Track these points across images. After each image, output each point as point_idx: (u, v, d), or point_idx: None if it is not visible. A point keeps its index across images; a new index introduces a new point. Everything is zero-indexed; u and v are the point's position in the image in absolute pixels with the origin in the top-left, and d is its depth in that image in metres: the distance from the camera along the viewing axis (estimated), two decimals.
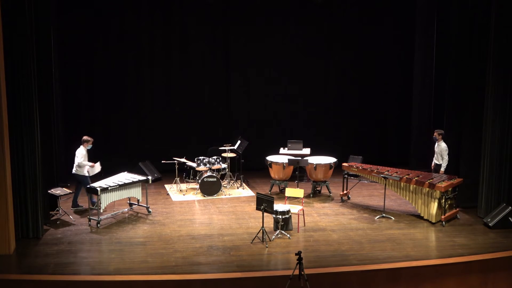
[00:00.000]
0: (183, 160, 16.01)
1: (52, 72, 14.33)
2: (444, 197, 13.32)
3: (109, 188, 13.33)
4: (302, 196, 13.62)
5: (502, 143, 13.42)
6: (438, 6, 16.42)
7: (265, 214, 12.31)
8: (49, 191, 13.53)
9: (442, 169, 14.33)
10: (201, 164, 15.69)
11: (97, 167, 14.38)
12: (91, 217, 13.33)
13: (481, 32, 13.80)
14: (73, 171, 14.28)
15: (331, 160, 15.62)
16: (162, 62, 17.64)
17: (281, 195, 15.35)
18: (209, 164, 15.67)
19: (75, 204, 14.48)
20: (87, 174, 14.27)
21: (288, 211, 12.86)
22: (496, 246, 12.15)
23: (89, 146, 14.29)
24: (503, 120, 13.36)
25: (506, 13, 13.04)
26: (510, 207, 13.17)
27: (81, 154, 14.10)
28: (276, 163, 15.43)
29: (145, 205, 14.26)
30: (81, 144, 14.20)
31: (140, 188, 14.07)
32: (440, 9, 16.27)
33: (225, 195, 15.65)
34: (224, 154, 16.17)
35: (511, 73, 13.19)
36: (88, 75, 17.34)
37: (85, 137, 14.28)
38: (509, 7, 13.01)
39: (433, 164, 14.82)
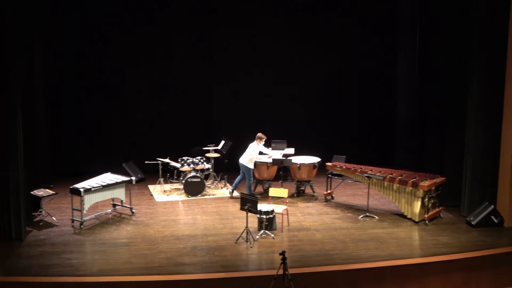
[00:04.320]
0: (166, 160, 15.95)
1: (34, 72, 14.28)
2: (427, 196, 13.38)
3: (92, 189, 13.26)
4: (286, 196, 13.63)
5: (485, 142, 13.50)
6: (421, 8, 16.52)
7: (249, 214, 12.32)
8: (31, 193, 13.41)
9: None
10: (185, 164, 15.66)
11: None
12: (74, 218, 13.27)
13: (464, 34, 13.85)
14: (242, 162, 15.18)
15: (315, 159, 15.64)
16: (146, 63, 17.58)
17: (265, 195, 15.35)
18: (193, 165, 15.65)
19: (234, 188, 15.61)
20: (252, 167, 15.13)
21: (272, 211, 12.85)
22: (479, 245, 12.23)
23: (262, 143, 15.27)
24: (486, 120, 13.44)
25: (488, 14, 13.12)
26: (492, 206, 13.28)
27: (255, 149, 15.11)
28: (260, 163, 15.43)
29: (129, 206, 14.20)
30: (254, 140, 15.19)
31: (124, 189, 14.01)
32: (422, 11, 16.36)
33: (209, 195, 15.64)
34: (208, 155, 16.14)
35: (494, 74, 13.27)
36: (72, 76, 17.19)
37: (259, 134, 15.18)
38: (491, 10, 13.11)
39: None
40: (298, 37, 18.25)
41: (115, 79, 17.50)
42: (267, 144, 16.40)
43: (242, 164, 15.18)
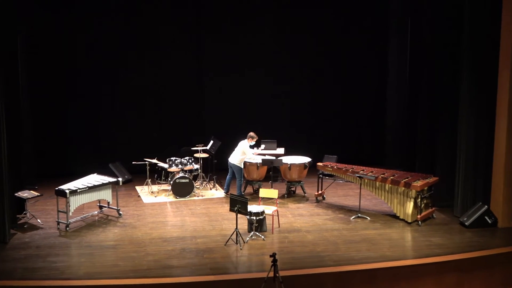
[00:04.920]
0: (154, 161, 15.81)
1: (18, 72, 14.15)
2: (420, 196, 13.28)
3: (78, 191, 13.08)
4: (276, 196, 13.50)
5: (477, 142, 13.45)
6: (411, 9, 16.53)
7: (239, 215, 12.16)
8: (15, 194, 13.24)
9: None
10: (173, 165, 15.49)
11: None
12: (59, 220, 13.06)
13: (455, 35, 13.83)
14: (233, 161, 15.16)
15: (306, 159, 15.52)
16: (133, 63, 17.43)
17: (255, 195, 15.22)
18: (181, 165, 15.48)
19: (227, 188, 15.61)
20: (243, 167, 15.15)
21: (262, 212, 12.74)
22: (472, 246, 12.15)
23: (252, 143, 15.27)
24: (478, 120, 13.38)
25: (479, 15, 13.08)
26: (486, 206, 13.19)
27: (247, 148, 15.09)
28: (250, 163, 15.28)
29: (116, 208, 14.02)
30: (245, 139, 15.20)
31: (110, 190, 13.86)
32: (413, 12, 16.37)
33: (197, 196, 15.48)
34: (196, 155, 15.98)
35: (486, 73, 13.21)
36: (59, 76, 17.03)
37: (251, 133, 15.17)
38: (482, 10, 13.05)
39: None
40: (289, 37, 18.21)
41: (101, 79, 17.34)
42: (257, 145, 16.32)
43: (233, 164, 15.06)
